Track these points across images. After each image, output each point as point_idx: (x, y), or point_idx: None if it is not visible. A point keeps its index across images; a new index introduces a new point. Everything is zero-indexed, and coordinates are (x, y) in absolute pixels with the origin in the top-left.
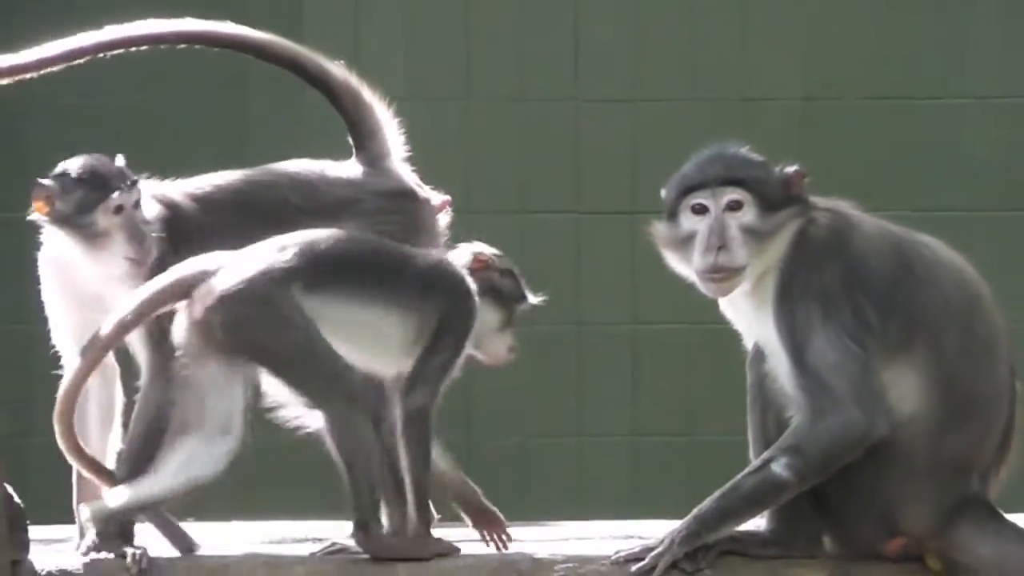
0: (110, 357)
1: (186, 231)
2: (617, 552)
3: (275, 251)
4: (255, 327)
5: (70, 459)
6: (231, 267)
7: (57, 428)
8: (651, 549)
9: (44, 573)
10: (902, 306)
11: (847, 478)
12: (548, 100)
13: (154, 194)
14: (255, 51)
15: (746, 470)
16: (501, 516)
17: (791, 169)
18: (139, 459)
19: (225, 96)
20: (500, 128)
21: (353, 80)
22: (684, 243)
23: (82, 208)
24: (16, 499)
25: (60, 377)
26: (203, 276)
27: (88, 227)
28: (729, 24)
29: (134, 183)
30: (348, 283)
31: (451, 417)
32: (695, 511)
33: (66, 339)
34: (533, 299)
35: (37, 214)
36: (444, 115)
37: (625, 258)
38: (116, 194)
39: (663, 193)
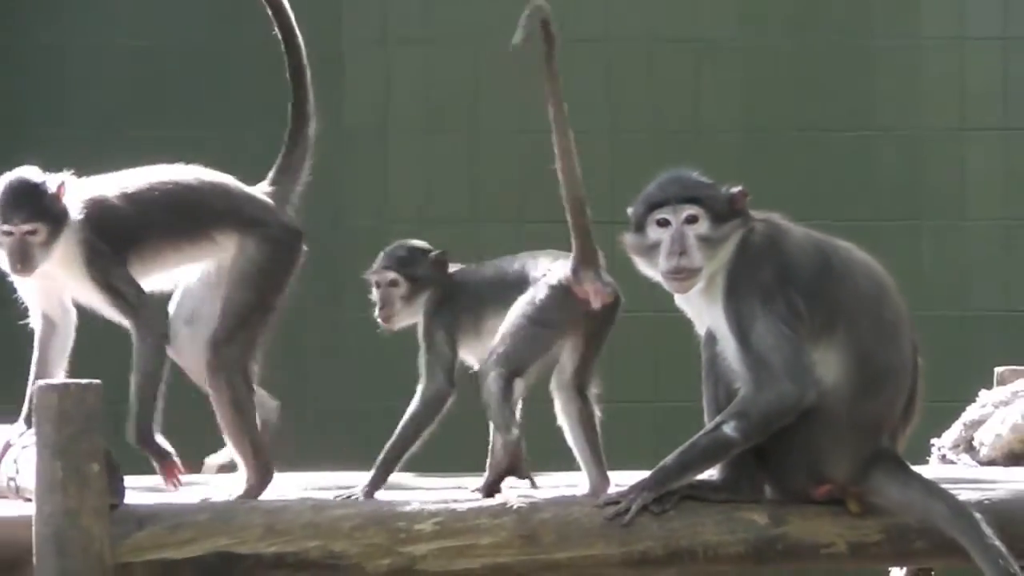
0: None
1: (119, 227)
2: (601, 497)
3: None
4: None
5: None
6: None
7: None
8: (625, 495)
9: (136, 514)
10: (825, 298)
11: (783, 436)
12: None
13: (87, 192)
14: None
15: (702, 431)
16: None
17: (736, 189)
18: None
19: None
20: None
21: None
22: (650, 250)
23: None
24: (112, 455)
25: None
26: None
27: None
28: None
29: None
30: None
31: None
32: (660, 464)
33: (30, 301)
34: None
35: None
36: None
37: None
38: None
39: (630, 210)
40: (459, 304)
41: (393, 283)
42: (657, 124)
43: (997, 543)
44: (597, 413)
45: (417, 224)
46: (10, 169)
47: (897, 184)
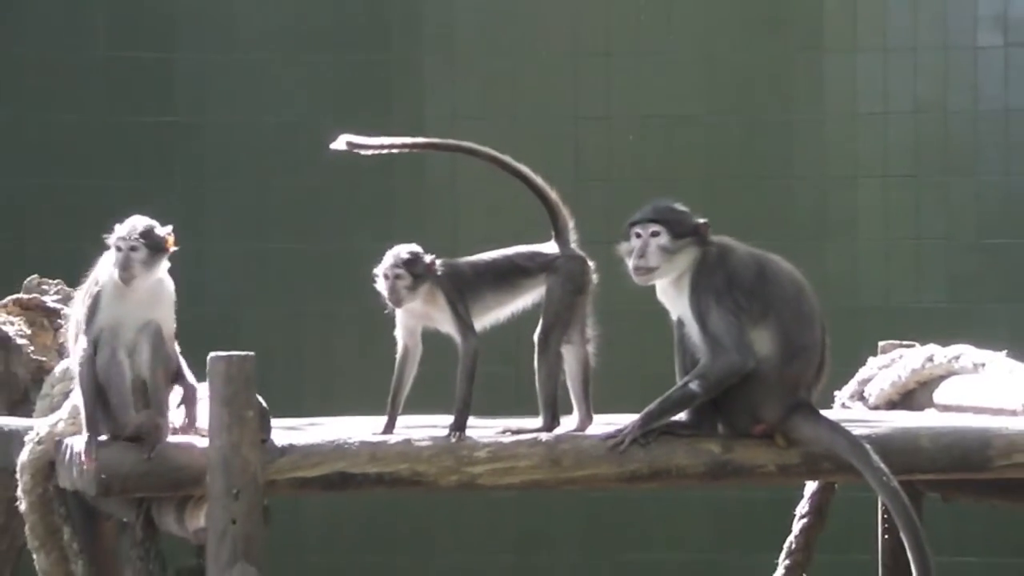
0: None
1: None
2: (602, 433)
3: None
4: None
5: None
6: None
7: None
8: (620, 432)
9: (279, 446)
10: (759, 296)
11: (732, 391)
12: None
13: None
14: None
15: (674, 387)
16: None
17: (701, 220)
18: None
19: None
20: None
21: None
22: (628, 253)
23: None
24: (263, 403)
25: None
26: None
27: None
28: (659, 138)
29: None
30: None
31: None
32: (646, 410)
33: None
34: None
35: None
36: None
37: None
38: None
39: (624, 226)
40: (465, 287)
41: (399, 277)
42: (637, 173)
43: (882, 465)
44: (591, 362)
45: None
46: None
47: (809, 214)
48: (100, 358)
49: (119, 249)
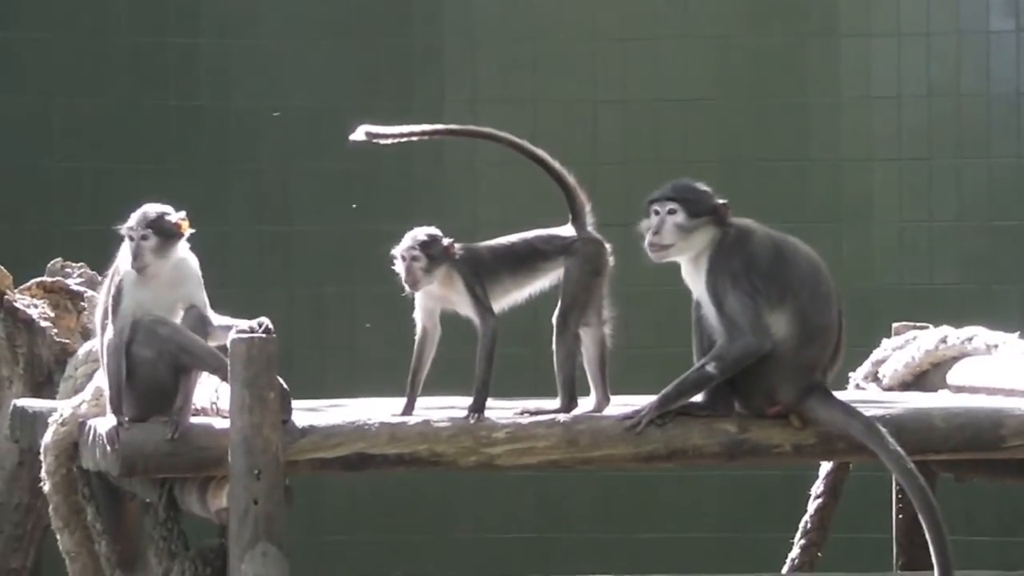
0: None
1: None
2: (619, 415)
3: None
4: None
5: None
6: None
7: None
8: (638, 413)
9: (300, 427)
10: (777, 278)
11: (749, 372)
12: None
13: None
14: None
15: (691, 369)
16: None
17: (720, 201)
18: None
19: None
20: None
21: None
22: (646, 230)
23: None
24: (284, 384)
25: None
26: None
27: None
28: (675, 120)
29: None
30: None
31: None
32: (663, 391)
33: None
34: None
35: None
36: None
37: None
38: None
39: (643, 203)
40: (483, 269)
41: (416, 259)
42: (654, 156)
43: (897, 447)
44: (608, 344)
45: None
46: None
47: (823, 197)
48: (135, 343)
49: (131, 239)
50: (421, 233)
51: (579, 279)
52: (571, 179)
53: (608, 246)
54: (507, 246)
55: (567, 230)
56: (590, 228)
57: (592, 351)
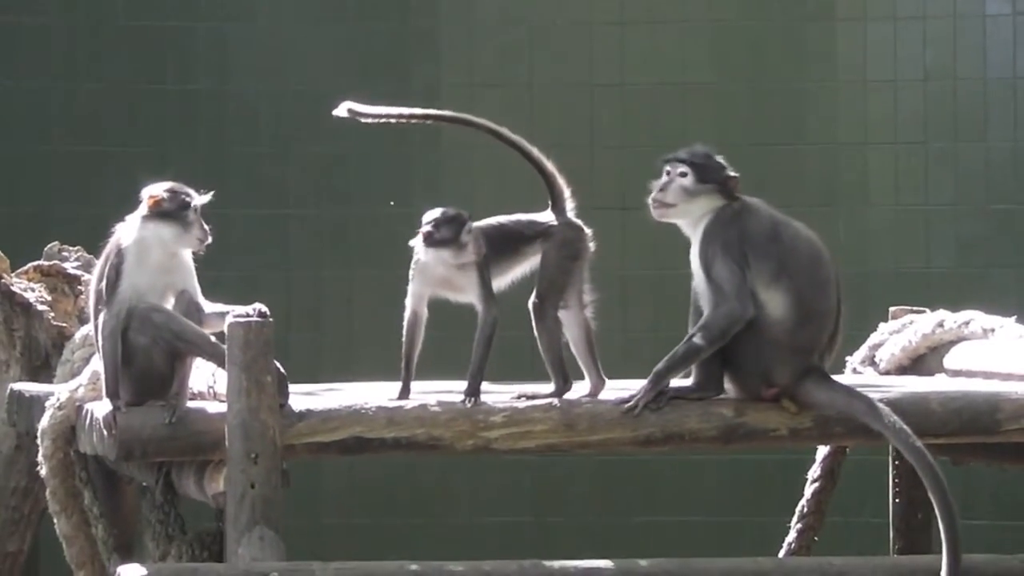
0: None
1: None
2: (616, 398)
3: None
4: None
5: None
6: None
7: None
8: (633, 397)
9: (297, 411)
10: (772, 256)
11: (746, 353)
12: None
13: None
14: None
15: (681, 343)
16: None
17: (732, 173)
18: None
19: None
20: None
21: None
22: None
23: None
24: (281, 368)
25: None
26: None
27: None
28: (673, 104)
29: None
30: None
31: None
32: (655, 369)
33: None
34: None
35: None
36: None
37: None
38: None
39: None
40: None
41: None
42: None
43: (904, 426)
44: (592, 327)
45: None
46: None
47: (819, 181)
48: (131, 329)
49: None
50: (452, 211)
51: (557, 263)
52: (549, 165)
53: (588, 231)
54: (497, 227)
55: (546, 215)
56: (569, 214)
57: (578, 335)
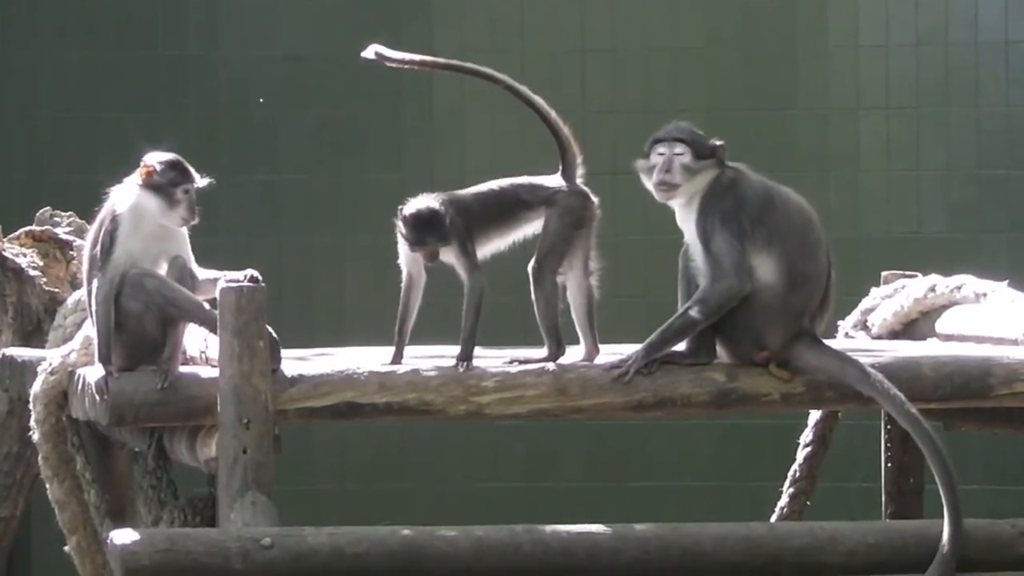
0: None
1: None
2: (608, 363)
3: None
4: None
5: None
6: None
7: None
8: (625, 362)
9: (289, 376)
10: (765, 223)
11: (737, 318)
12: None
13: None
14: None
15: (675, 314)
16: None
17: (718, 142)
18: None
19: None
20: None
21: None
22: (650, 170)
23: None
24: (273, 333)
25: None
26: None
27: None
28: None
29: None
30: None
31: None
32: (648, 339)
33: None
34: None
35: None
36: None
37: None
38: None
39: (645, 143)
40: (472, 221)
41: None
42: (643, 106)
43: (898, 392)
44: (595, 295)
45: None
46: None
47: (810, 146)
48: (123, 295)
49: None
50: (425, 211)
51: (558, 230)
52: (566, 129)
53: (595, 199)
54: (493, 193)
55: (553, 180)
56: (578, 180)
57: (580, 301)
